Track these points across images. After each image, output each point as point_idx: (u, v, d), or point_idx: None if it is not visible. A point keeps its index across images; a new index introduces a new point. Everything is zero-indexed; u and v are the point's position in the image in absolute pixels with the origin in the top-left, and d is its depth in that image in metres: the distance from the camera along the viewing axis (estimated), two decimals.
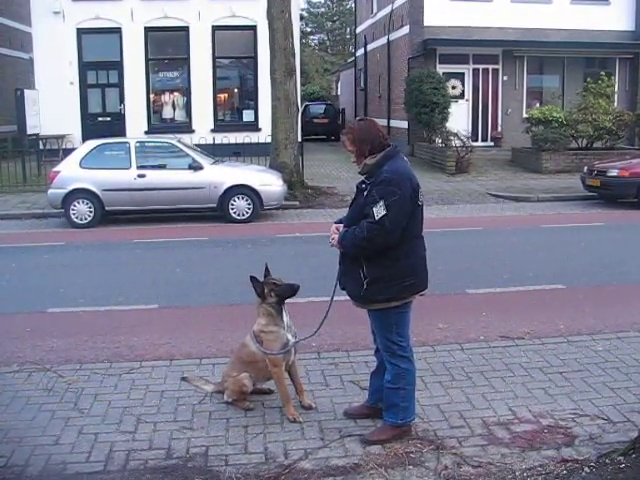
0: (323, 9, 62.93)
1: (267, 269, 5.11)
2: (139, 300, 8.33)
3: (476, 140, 23.76)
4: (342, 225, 4.58)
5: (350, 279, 4.55)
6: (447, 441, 4.62)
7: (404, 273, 4.44)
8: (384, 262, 4.40)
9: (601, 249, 11.06)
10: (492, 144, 24.58)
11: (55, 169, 14.15)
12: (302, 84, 30.74)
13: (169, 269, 10.03)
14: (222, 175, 14.11)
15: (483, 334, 6.82)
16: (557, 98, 24.12)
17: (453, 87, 23.86)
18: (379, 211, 4.25)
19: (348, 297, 4.70)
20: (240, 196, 13.90)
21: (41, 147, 20.99)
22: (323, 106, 37.27)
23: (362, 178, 4.54)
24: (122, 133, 22.12)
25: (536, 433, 4.70)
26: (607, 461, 4.10)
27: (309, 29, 61.76)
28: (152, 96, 24.01)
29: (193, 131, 22.74)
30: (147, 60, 23.57)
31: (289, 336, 4.99)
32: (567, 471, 4.16)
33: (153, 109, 24.09)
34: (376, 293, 4.44)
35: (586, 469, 4.10)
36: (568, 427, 4.77)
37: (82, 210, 13.65)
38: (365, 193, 4.41)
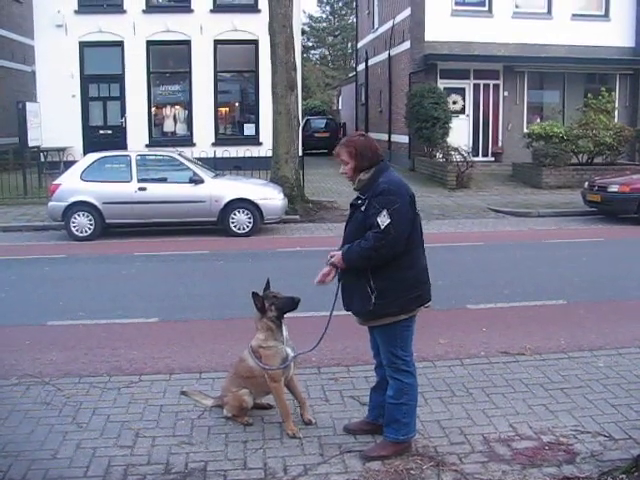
0: (325, 24, 63.28)
1: (268, 284, 5.10)
2: (139, 313, 8.31)
3: (477, 155, 23.78)
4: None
5: (356, 296, 4.52)
6: (447, 457, 4.59)
7: (410, 284, 4.47)
8: (390, 273, 4.41)
9: (602, 265, 11.04)
10: (493, 159, 24.61)
11: (56, 182, 14.16)
12: (303, 98, 30.87)
13: (169, 282, 10.01)
14: (223, 189, 14.12)
15: (484, 350, 6.80)
16: (558, 113, 24.22)
17: (454, 102, 23.93)
18: (383, 220, 4.28)
19: (352, 315, 4.69)
20: (241, 210, 13.90)
21: (42, 159, 21.03)
22: (324, 120, 37.37)
23: (356, 195, 4.58)
24: (123, 146, 22.20)
25: (537, 450, 4.67)
26: (609, 479, 4.07)
27: (310, 44, 62.06)
28: (153, 109, 24.11)
29: (194, 144, 22.80)
30: (149, 73, 23.70)
31: (289, 350, 4.97)
32: None
33: (154, 122, 24.18)
34: (385, 307, 4.43)
35: None
36: (569, 444, 4.74)
37: (82, 223, 13.65)
38: (363, 208, 4.42)
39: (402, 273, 4.43)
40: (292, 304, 4.95)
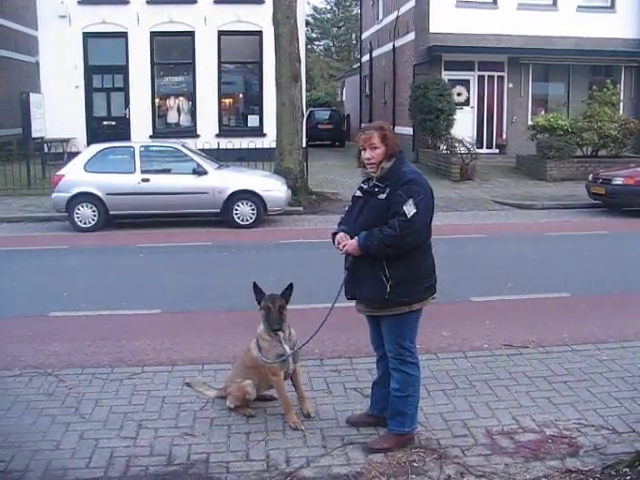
0: (329, 15, 63.01)
1: (288, 289, 4.95)
2: (142, 305, 8.30)
3: (481, 147, 23.72)
4: (345, 234, 4.54)
5: (369, 285, 4.47)
6: (450, 450, 4.58)
7: (425, 274, 4.49)
8: (407, 263, 4.39)
9: (606, 257, 11.01)
10: (497, 151, 24.56)
11: (59, 173, 14.15)
12: (307, 90, 30.79)
13: (172, 274, 10.01)
14: (226, 180, 14.10)
15: (487, 342, 6.78)
16: (562, 106, 24.15)
17: (458, 94, 23.84)
18: (410, 209, 4.27)
19: (358, 305, 4.67)
20: (244, 201, 13.88)
21: (46, 150, 21.04)
22: (328, 112, 37.25)
23: (369, 183, 4.50)
24: (127, 137, 22.14)
25: (540, 443, 4.66)
26: (612, 472, 4.05)
27: (315, 35, 61.83)
28: (157, 100, 24.05)
29: (198, 136, 22.75)
30: (152, 64, 23.60)
31: (286, 347, 4.93)
32: None
33: (158, 113, 24.11)
34: (400, 296, 4.40)
35: None
36: (572, 437, 4.73)
37: (86, 214, 13.64)
38: (384, 196, 4.37)
39: (418, 262, 4.45)
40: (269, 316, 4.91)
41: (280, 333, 4.94)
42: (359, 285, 4.53)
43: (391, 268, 4.38)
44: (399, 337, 4.54)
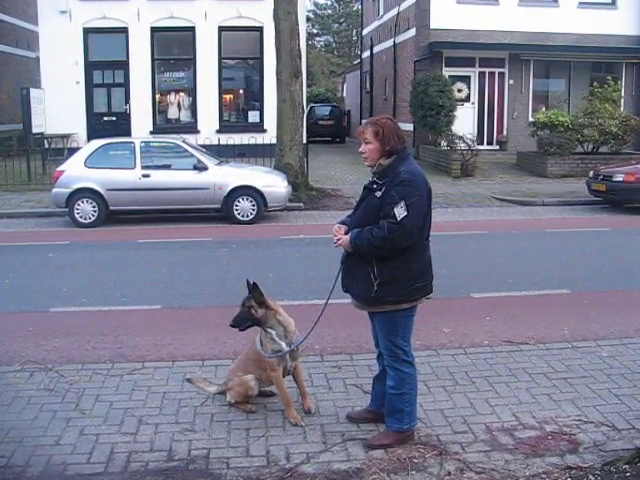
0: (329, 11, 63.00)
1: (254, 289, 4.95)
2: (142, 300, 8.31)
3: (481, 143, 23.72)
4: (345, 226, 4.54)
5: (358, 280, 4.48)
6: (450, 446, 4.59)
7: (415, 275, 4.42)
8: (397, 263, 4.36)
9: (606, 254, 11.00)
10: (497, 148, 24.55)
11: (60, 168, 14.14)
12: (308, 86, 30.73)
13: (173, 270, 10.00)
14: (227, 176, 14.09)
15: (487, 339, 6.78)
16: (563, 102, 24.13)
17: (459, 90, 23.82)
18: (400, 212, 4.21)
19: (352, 299, 4.67)
20: (244, 197, 13.87)
21: (46, 146, 21.02)
22: (328, 108, 37.20)
23: (371, 178, 4.49)
24: (127, 133, 22.09)
25: (540, 439, 4.67)
26: (612, 469, 4.05)
27: (315, 31, 61.82)
28: (158, 96, 23.99)
29: (198, 131, 22.72)
30: (153, 60, 23.54)
31: (282, 344, 4.94)
32: (571, 479, 4.12)
33: (158, 109, 24.07)
34: (387, 294, 4.38)
35: (591, 477, 4.06)
36: (572, 434, 4.73)
37: (86, 209, 13.64)
38: (379, 194, 4.34)
39: (409, 264, 4.39)
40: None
41: (271, 331, 4.93)
42: (351, 279, 4.54)
43: (380, 267, 4.37)
44: (391, 335, 4.53)
